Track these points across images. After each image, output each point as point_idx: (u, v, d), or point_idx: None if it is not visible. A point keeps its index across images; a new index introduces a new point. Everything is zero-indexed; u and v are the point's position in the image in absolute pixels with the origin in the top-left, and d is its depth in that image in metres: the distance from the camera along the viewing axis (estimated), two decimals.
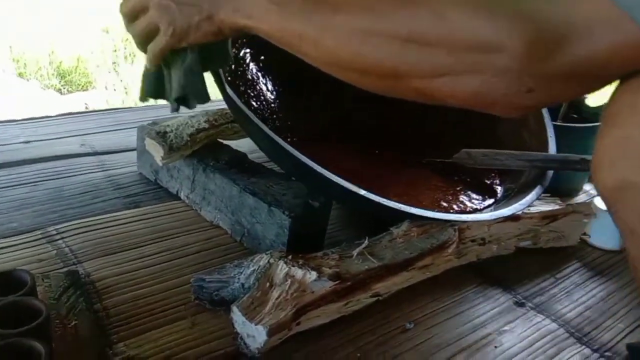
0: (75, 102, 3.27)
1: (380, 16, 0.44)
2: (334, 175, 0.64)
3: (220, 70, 0.66)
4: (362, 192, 0.65)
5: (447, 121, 1.00)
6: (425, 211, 0.71)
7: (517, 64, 0.39)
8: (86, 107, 3.15)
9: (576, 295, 0.80)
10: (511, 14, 0.39)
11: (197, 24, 0.55)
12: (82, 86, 3.59)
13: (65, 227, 0.81)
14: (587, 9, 0.37)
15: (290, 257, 0.67)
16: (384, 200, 0.66)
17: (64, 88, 3.55)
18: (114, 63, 3.72)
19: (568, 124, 0.97)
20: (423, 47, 0.42)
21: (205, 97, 0.63)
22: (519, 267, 0.85)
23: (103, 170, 0.97)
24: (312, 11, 0.49)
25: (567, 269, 0.86)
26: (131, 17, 0.60)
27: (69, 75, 3.65)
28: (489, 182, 0.90)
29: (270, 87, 0.93)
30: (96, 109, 2.93)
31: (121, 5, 0.60)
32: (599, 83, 0.43)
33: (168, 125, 0.84)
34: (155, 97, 0.65)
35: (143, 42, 0.60)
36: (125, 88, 3.28)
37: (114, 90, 3.29)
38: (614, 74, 0.41)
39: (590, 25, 0.37)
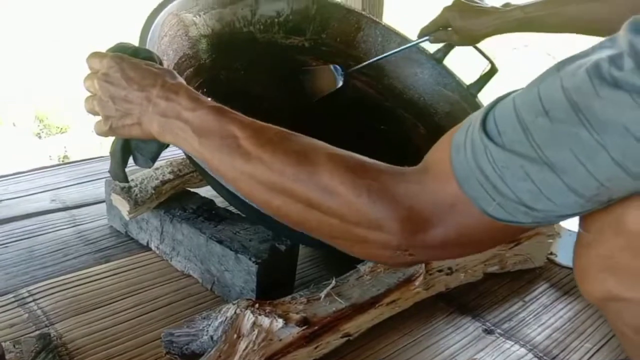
0: (54, 146, 3.28)
1: (283, 176, 0.50)
2: None
3: None
4: None
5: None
6: None
7: (396, 239, 0.46)
8: (65, 151, 3.15)
9: (544, 317, 0.82)
10: (388, 198, 0.46)
11: (129, 126, 0.61)
12: (61, 129, 3.60)
13: (36, 288, 0.81)
14: (443, 196, 0.44)
15: (257, 305, 0.68)
16: None
17: (42, 132, 3.56)
18: None
19: None
20: (322, 214, 0.49)
21: (120, 179, 0.69)
22: (488, 293, 0.86)
23: (74, 226, 0.98)
24: (225, 152, 0.54)
25: (535, 290, 0.88)
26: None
27: (46, 118, 3.66)
28: None
29: None
30: (68, 160, 2.93)
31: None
32: (484, 246, 0.52)
33: (132, 180, 0.85)
34: None
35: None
36: None
37: (92, 132, 3.29)
38: (497, 240, 0.48)
39: (445, 209, 0.44)
